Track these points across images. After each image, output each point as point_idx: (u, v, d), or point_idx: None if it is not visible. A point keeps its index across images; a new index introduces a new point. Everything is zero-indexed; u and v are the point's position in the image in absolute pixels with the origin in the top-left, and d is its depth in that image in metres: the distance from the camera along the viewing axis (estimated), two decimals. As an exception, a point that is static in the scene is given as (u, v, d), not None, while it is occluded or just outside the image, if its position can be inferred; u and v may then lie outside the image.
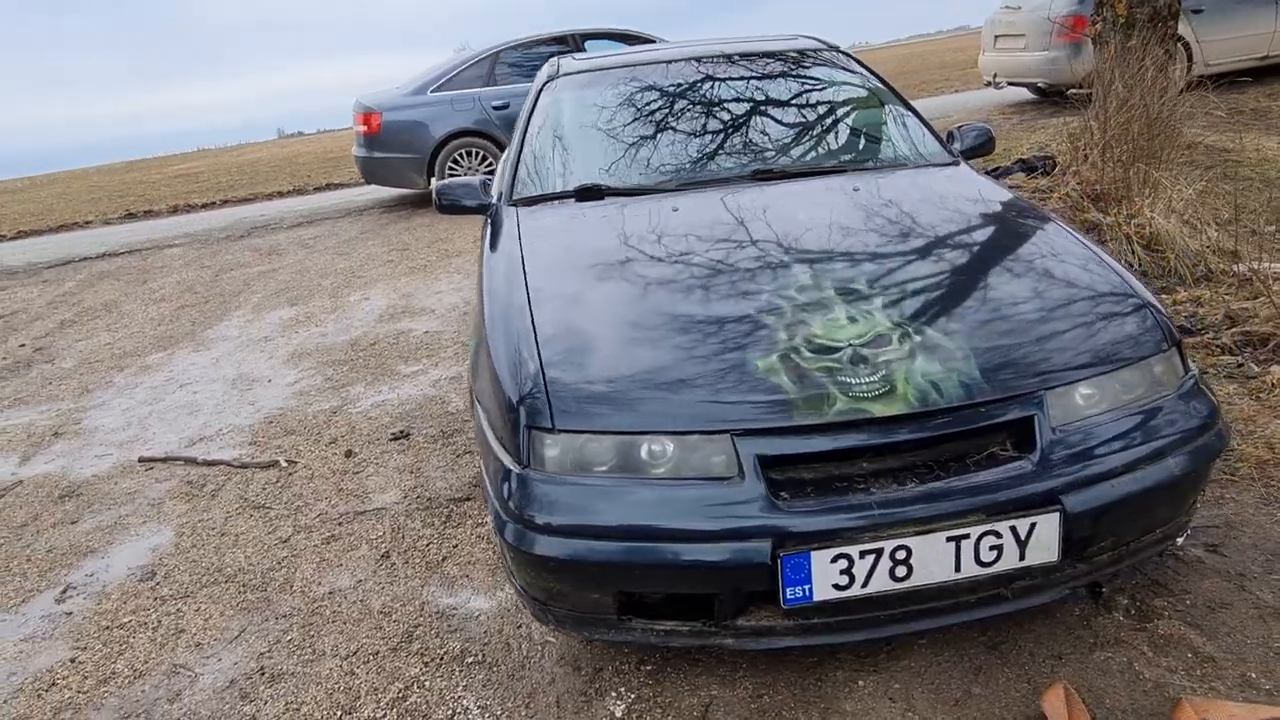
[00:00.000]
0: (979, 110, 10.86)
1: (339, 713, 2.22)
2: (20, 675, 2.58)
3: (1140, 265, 4.44)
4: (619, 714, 2.06)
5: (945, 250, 2.36)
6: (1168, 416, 1.99)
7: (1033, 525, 1.82)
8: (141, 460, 4.10)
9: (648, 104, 3.29)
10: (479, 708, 2.16)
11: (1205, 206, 4.93)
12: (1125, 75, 5.60)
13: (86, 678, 2.52)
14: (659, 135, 3.15)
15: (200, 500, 3.62)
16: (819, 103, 3.29)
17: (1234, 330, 3.60)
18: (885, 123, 3.26)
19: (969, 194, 2.74)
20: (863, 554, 1.79)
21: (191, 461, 4.01)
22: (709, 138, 3.12)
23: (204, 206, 14.50)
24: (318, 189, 14.07)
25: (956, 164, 3.04)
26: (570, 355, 2.09)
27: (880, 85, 3.43)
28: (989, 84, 10.30)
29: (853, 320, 2.06)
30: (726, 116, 3.20)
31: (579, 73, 3.56)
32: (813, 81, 3.39)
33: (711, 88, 3.33)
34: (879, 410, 1.86)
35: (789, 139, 3.12)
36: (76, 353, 6.17)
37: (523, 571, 2.01)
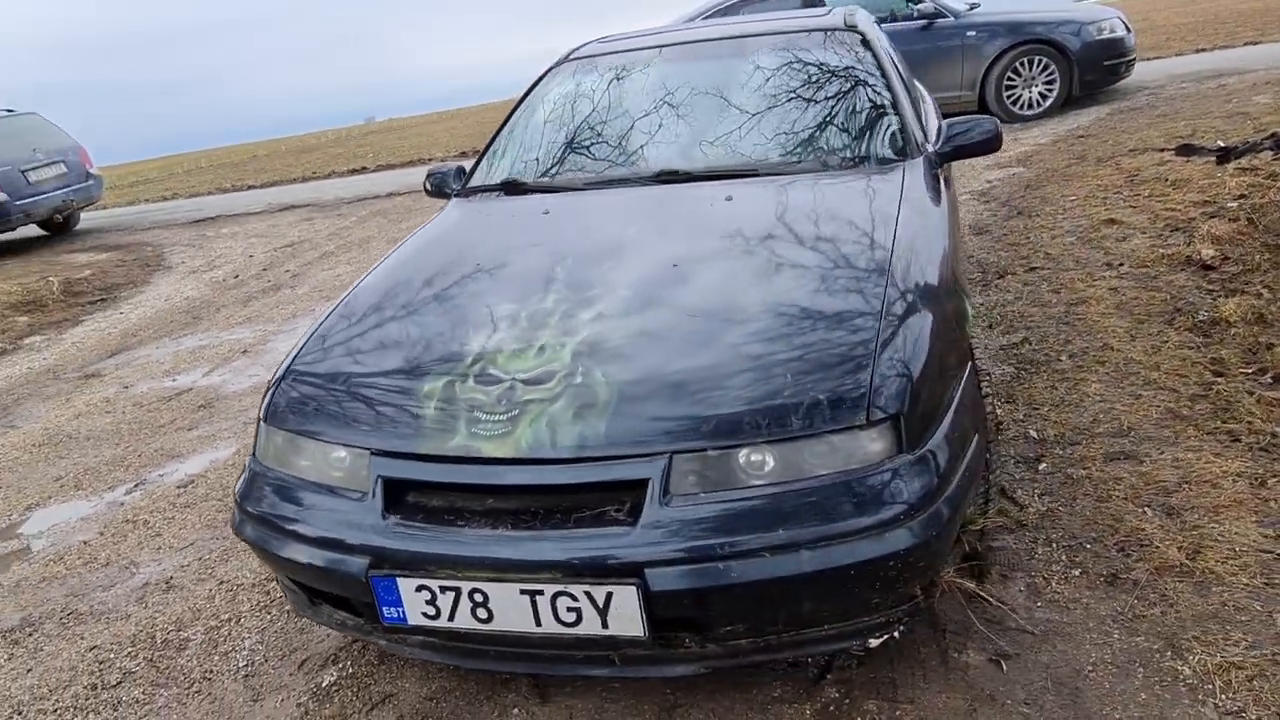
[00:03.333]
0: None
1: (177, 628, 2.66)
2: (51, 548, 3.36)
3: (1300, 287, 3.51)
4: (324, 684, 2.28)
5: (720, 283, 2.16)
6: (835, 503, 1.73)
7: (609, 595, 1.72)
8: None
9: (610, 96, 3.24)
10: (248, 650, 2.48)
11: None
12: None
13: (80, 557, 3.23)
14: (600, 129, 3.12)
15: (274, 425, 4.28)
16: (783, 96, 3.02)
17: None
18: (845, 119, 2.92)
19: (844, 208, 2.44)
20: (443, 589, 1.82)
21: (295, 390, 4.73)
22: (642, 134, 3.03)
23: (520, 147, 15.99)
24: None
25: (895, 169, 2.67)
26: (323, 353, 2.28)
27: (874, 72, 3.06)
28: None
29: (540, 352, 2.01)
30: (672, 111, 3.06)
31: (581, 58, 3.58)
32: (796, 70, 3.11)
33: (686, 79, 3.18)
34: (489, 450, 1.85)
35: (721, 137, 2.92)
36: (314, 282, 7.35)
37: None
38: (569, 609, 1.75)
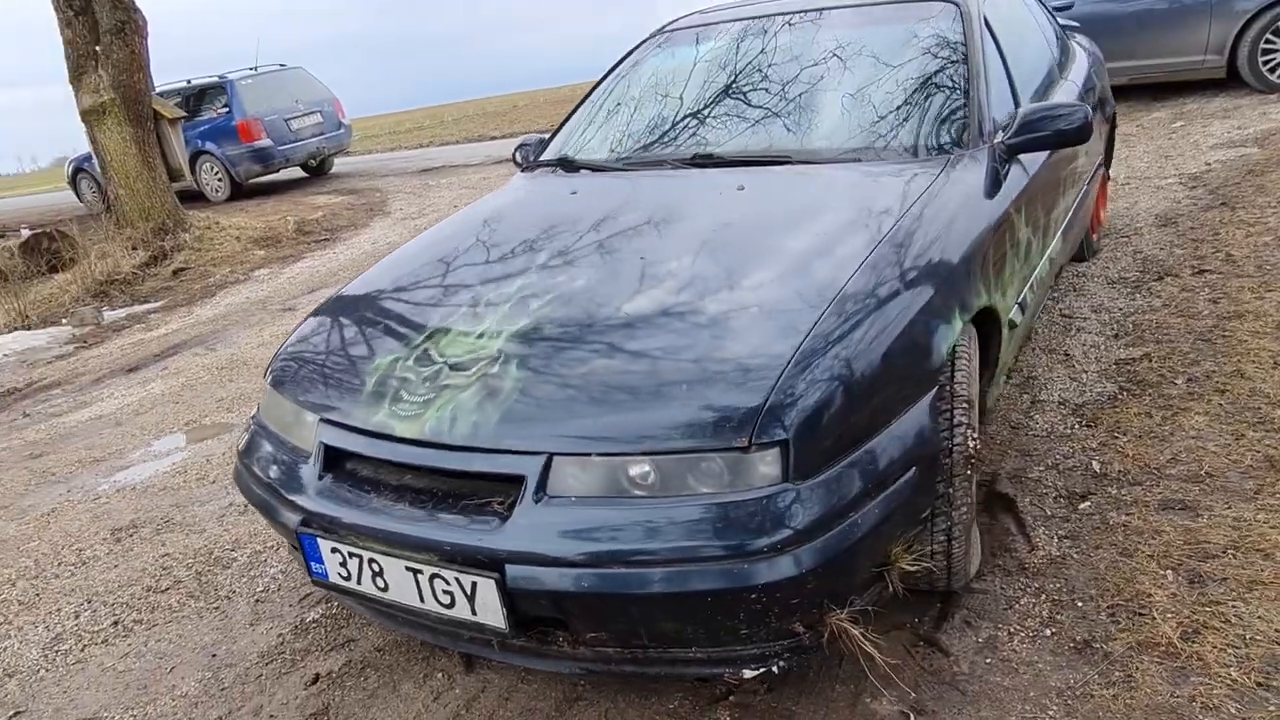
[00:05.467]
0: None
1: (232, 548, 3.00)
2: (182, 461, 3.87)
3: None
4: (307, 620, 2.50)
5: (675, 280, 2.08)
6: (701, 526, 1.65)
7: (474, 584, 1.76)
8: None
9: (676, 75, 3.15)
10: (269, 578, 2.76)
11: None
12: None
13: (197, 473, 3.70)
14: (656, 109, 3.06)
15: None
16: (843, 77, 2.80)
17: None
18: (902, 103, 2.66)
19: (849, 205, 2.27)
20: (351, 555, 1.93)
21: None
22: (690, 115, 2.93)
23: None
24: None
25: (940, 161, 2.43)
26: (325, 324, 2.45)
27: (956, 50, 2.76)
28: None
29: (479, 337, 2.06)
30: (725, 92, 2.94)
31: (671, 31, 3.49)
32: (867, 47, 2.87)
33: (750, 59, 3.01)
34: (400, 429, 1.92)
35: (763, 120, 2.77)
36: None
37: None
38: (444, 591, 1.81)
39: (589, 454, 1.75)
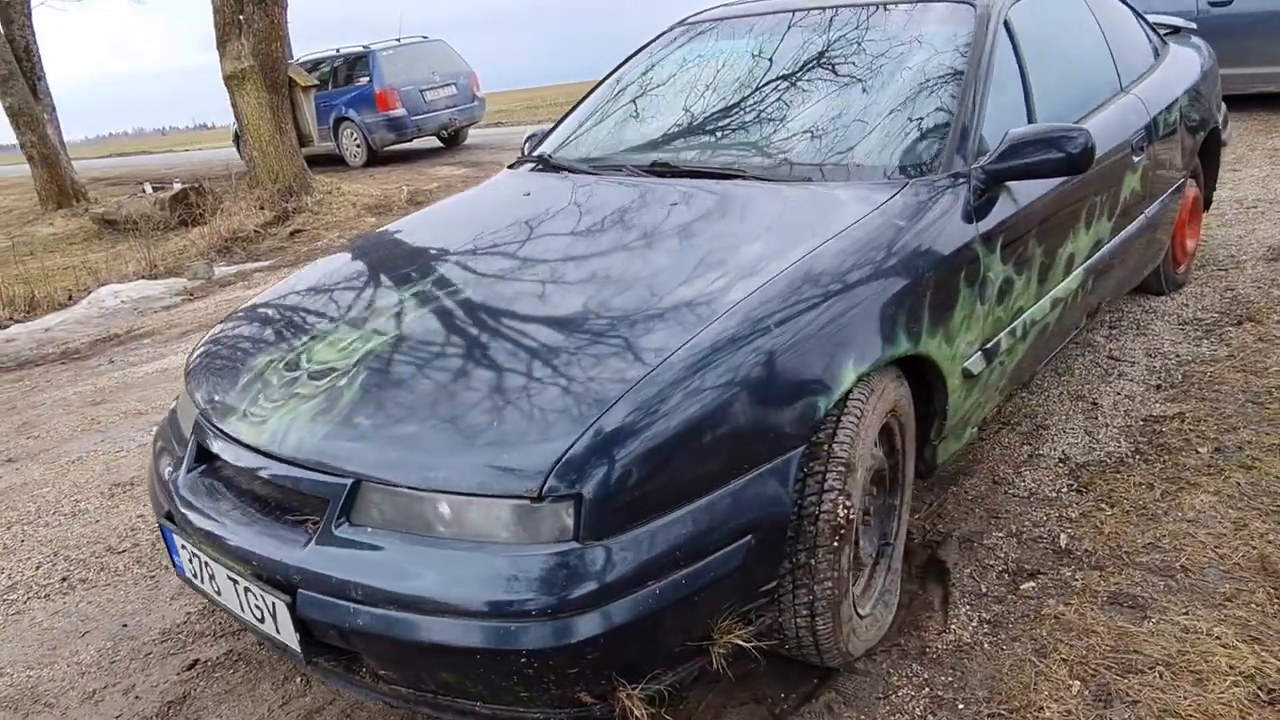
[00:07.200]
0: None
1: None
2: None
3: None
4: (218, 602, 2.54)
5: (548, 304, 1.95)
6: (480, 577, 1.54)
7: (274, 604, 1.72)
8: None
9: (664, 76, 2.97)
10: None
11: None
12: None
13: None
14: (634, 110, 2.90)
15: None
16: (829, 85, 2.54)
17: None
18: (875, 118, 2.38)
19: (761, 236, 2.05)
20: (193, 555, 1.93)
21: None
22: (662, 120, 2.76)
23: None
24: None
25: (891, 186, 2.17)
26: (247, 318, 2.45)
27: (956, 60, 2.46)
28: None
29: (345, 347, 2.00)
30: (704, 98, 2.73)
31: (686, 25, 3.30)
32: (865, 52, 2.59)
33: (741, 62, 2.79)
34: (243, 434, 1.89)
35: (729, 131, 2.56)
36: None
37: None
38: (255, 605, 1.78)
39: (397, 485, 1.66)
